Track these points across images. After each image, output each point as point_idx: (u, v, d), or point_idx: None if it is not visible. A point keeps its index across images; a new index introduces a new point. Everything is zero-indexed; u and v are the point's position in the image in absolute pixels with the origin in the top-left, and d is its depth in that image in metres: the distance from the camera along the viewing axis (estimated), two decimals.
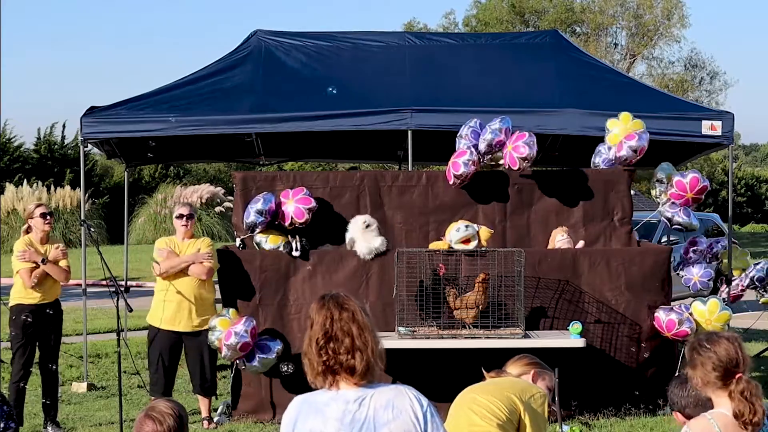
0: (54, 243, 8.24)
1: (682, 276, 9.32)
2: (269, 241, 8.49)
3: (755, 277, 10.05)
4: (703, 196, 8.92)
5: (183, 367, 8.86)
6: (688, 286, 9.33)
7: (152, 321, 8.29)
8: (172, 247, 8.26)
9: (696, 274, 9.16)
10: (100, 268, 7.75)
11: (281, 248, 8.51)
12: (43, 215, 8.08)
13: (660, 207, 9.00)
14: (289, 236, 8.48)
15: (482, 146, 8.41)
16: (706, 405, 3.68)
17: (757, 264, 10.10)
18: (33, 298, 7.98)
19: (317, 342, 3.18)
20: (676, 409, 4.07)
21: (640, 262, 8.48)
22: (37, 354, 8.21)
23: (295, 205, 8.34)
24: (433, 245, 8.32)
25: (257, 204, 8.33)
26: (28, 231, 8.14)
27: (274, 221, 8.44)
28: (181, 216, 8.38)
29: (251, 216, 8.36)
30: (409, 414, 3.19)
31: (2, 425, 6.93)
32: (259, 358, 8.09)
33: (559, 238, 8.62)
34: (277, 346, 8.14)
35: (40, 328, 8.04)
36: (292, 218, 8.35)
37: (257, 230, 8.45)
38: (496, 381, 4.62)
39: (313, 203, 8.39)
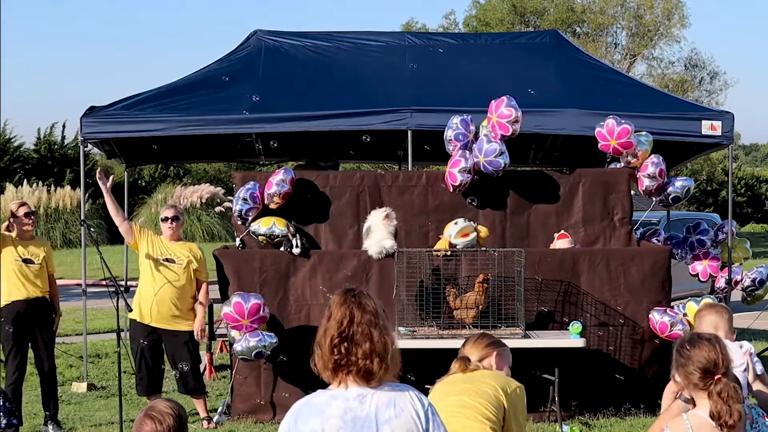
0: (38, 241, 8.31)
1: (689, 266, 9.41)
2: (262, 225, 8.50)
3: (756, 279, 10.02)
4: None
5: None
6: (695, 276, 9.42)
7: (134, 315, 8.23)
8: (161, 248, 8.26)
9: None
10: (100, 268, 7.75)
11: (282, 247, 8.52)
12: (27, 215, 8.13)
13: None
14: (290, 234, 8.49)
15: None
16: None
17: (760, 267, 10.05)
18: (23, 293, 7.97)
19: (332, 339, 3.16)
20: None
21: (640, 262, 8.48)
22: (33, 354, 8.21)
23: (268, 180, 8.57)
24: (438, 246, 8.31)
25: (241, 192, 8.53)
26: (8, 229, 8.15)
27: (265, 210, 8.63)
28: (165, 219, 8.38)
29: (239, 204, 8.52)
30: (410, 412, 3.19)
31: (5, 421, 6.96)
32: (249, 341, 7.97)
33: (561, 233, 8.66)
34: (270, 339, 8.05)
35: (29, 326, 8.03)
36: (267, 194, 8.50)
37: (249, 218, 8.51)
38: (475, 377, 4.46)
39: (284, 175, 8.48)
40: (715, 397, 3.54)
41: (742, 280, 9.79)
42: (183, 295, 8.21)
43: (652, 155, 8.88)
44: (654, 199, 9.08)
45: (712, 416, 3.53)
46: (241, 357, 8.01)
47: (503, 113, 8.53)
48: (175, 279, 8.16)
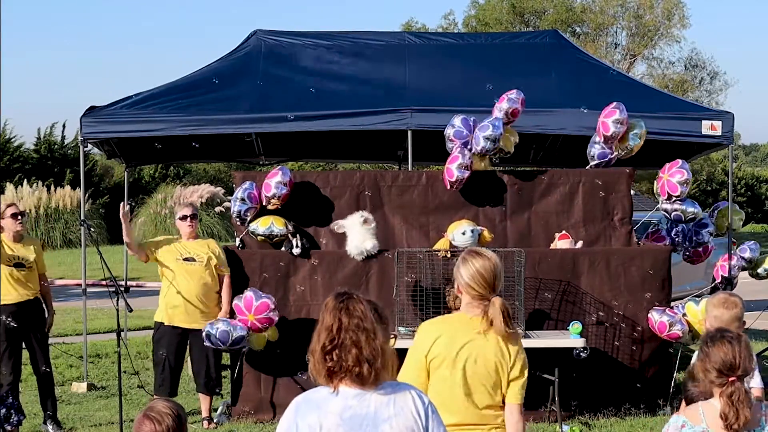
0: (28, 242, 8.19)
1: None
2: (261, 225, 8.51)
3: (750, 259, 10.00)
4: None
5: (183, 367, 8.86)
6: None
7: (158, 318, 8.29)
8: (179, 249, 8.26)
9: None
10: (100, 268, 7.74)
11: (282, 248, 8.52)
12: (14, 215, 8.00)
13: (660, 204, 9.00)
14: (290, 235, 8.49)
15: (480, 144, 8.49)
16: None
17: (748, 243, 10.03)
18: (13, 296, 7.93)
19: (323, 347, 3.16)
20: (686, 397, 4.09)
21: (640, 262, 8.48)
22: (29, 355, 8.20)
23: (265, 182, 8.54)
24: (438, 245, 8.30)
25: (238, 193, 8.53)
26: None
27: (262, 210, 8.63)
28: (185, 217, 8.38)
29: (237, 204, 8.52)
30: (410, 410, 3.19)
31: (15, 419, 7.03)
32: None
33: (562, 234, 8.65)
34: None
35: (23, 327, 8.00)
36: (265, 196, 8.50)
37: (247, 218, 8.51)
38: (476, 367, 3.99)
39: (282, 177, 8.47)
40: (725, 398, 3.53)
41: (737, 262, 9.80)
42: (208, 293, 8.22)
43: (677, 160, 8.85)
44: (659, 204, 9.04)
45: (721, 417, 3.54)
46: (215, 344, 8.01)
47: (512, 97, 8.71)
48: (198, 277, 8.18)
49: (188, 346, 8.36)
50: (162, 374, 8.28)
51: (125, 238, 8.37)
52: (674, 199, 8.76)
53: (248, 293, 8.01)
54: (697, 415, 3.62)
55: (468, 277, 3.99)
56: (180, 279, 8.17)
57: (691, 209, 8.82)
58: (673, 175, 8.75)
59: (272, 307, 8.00)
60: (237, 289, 8.44)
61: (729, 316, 4.82)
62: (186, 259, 8.21)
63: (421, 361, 3.98)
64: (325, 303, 3.26)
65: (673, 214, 8.85)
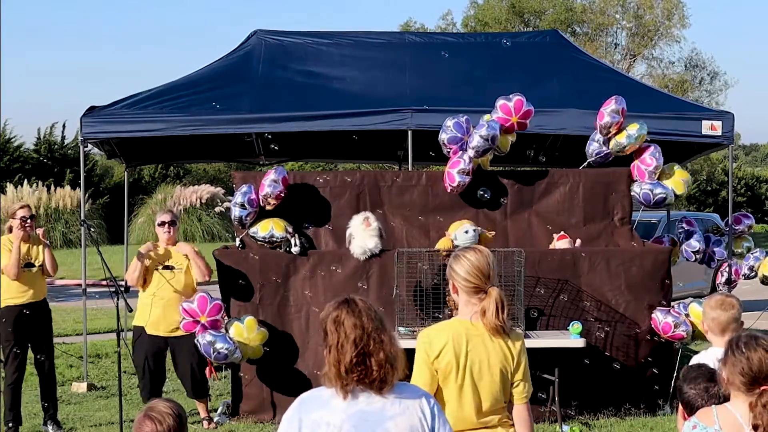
0: (36, 241, 8.14)
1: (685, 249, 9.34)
2: (261, 230, 8.47)
3: (752, 266, 10.02)
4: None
5: None
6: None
7: (138, 322, 8.24)
8: (158, 257, 8.21)
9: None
10: (100, 268, 7.74)
11: (281, 248, 8.51)
12: (23, 219, 7.97)
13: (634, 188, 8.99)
14: (288, 234, 8.48)
15: (473, 151, 8.43)
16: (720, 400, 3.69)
17: (754, 252, 10.04)
18: (21, 297, 7.94)
19: (351, 359, 3.11)
20: (683, 399, 4.02)
21: (640, 262, 8.47)
22: (32, 355, 8.20)
23: (261, 183, 8.49)
24: (440, 243, 8.29)
25: (237, 198, 8.46)
26: (11, 229, 8.08)
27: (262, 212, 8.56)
28: (162, 223, 8.33)
29: (237, 210, 8.44)
30: (415, 409, 3.20)
31: None
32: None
33: (561, 234, 8.65)
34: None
35: (29, 328, 8.01)
36: (261, 196, 8.45)
37: (248, 223, 8.48)
38: (481, 356, 3.98)
39: (275, 175, 8.43)
40: (759, 408, 3.39)
41: (740, 271, 9.82)
42: (186, 297, 8.17)
43: (651, 147, 8.85)
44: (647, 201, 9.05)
45: (754, 426, 3.40)
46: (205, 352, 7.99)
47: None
48: (177, 285, 8.14)
49: (171, 352, 8.32)
50: (143, 378, 8.27)
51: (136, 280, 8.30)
52: (651, 169, 8.75)
53: (185, 305, 7.92)
54: (711, 417, 3.53)
55: (463, 272, 3.98)
56: (159, 286, 8.12)
57: (659, 190, 8.80)
58: (643, 153, 8.79)
59: (210, 298, 7.95)
60: (237, 290, 8.45)
61: (726, 317, 4.79)
62: (165, 267, 8.17)
63: (431, 371, 3.95)
64: (333, 318, 3.18)
65: (642, 194, 8.81)
